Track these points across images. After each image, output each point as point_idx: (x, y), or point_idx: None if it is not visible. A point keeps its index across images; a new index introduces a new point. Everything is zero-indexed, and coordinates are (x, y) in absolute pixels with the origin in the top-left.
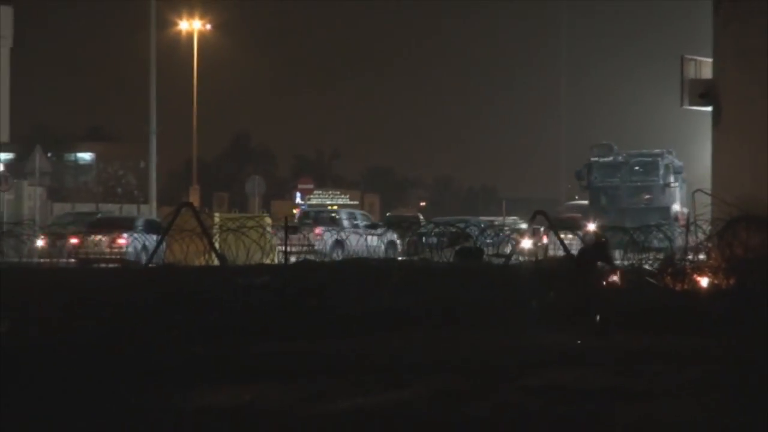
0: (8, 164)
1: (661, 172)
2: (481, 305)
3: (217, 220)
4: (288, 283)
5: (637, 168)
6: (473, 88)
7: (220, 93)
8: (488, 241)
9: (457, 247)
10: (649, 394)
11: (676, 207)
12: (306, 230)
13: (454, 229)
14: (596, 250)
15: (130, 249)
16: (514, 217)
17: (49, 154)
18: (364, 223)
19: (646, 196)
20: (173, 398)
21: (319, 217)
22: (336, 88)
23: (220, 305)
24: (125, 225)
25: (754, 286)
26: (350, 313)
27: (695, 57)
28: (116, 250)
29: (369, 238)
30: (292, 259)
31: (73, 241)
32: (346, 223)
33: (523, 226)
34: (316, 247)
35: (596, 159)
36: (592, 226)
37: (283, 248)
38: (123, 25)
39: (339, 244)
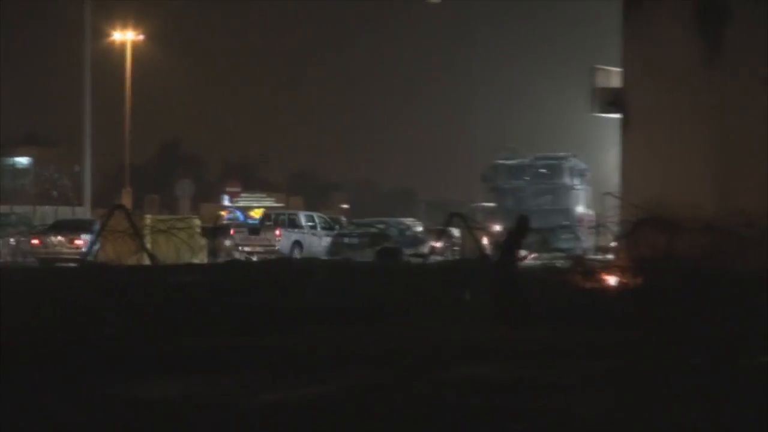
0: None
1: (565, 174)
2: (400, 302)
3: (148, 221)
4: (216, 281)
5: (541, 170)
6: (393, 91)
7: (152, 100)
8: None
9: (377, 248)
10: (557, 387)
11: (580, 209)
12: (267, 231)
13: (374, 230)
14: (518, 230)
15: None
16: (412, 219)
17: None
18: (321, 224)
19: (550, 198)
20: (105, 390)
21: (279, 219)
22: (263, 95)
23: (150, 302)
24: (83, 227)
25: (659, 284)
26: (275, 311)
27: (605, 67)
28: (74, 251)
29: (325, 238)
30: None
31: (34, 241)
32: (304, 224)
33: (419, 228)
34: (276, 248)
35: (502, 161)
36: (498, 228)
37: (209, 248)
38: (57, 34)
39: (297, 244)
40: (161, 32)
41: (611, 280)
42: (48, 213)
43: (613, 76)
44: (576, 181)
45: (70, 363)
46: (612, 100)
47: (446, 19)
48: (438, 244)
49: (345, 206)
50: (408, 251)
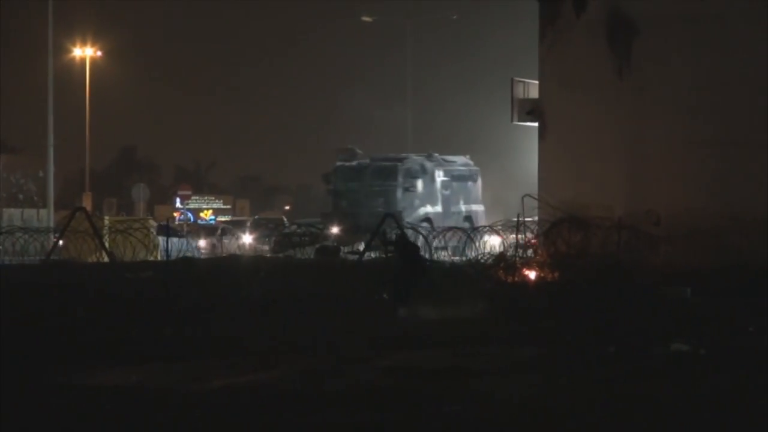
0: None
1: (400, 176)
2: (337, 295)
3: (107, 222)
4: (169, 276)
5: (376, 172)
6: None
7: (110, 110)
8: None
9: (317, 245)
10: (485, 373)
11: (429, 209)
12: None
13: (314, 230)
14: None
15: None
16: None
17: None
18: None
19: (381, 201)
20: (68, 378)
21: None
22: (213, 103)
23: (109, 296)
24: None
25: (575, 278)
26: (223, 303)
27: (523, 79)
28: None
29: None
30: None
31: None
32: None
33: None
34: None
35: (341, 163)
36: (335, 230)
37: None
38: (22, 48)
39: None
40: (119, 48)
41: (531, 275)
42: (15, 215)
43: (531, 87)
44: (413, 183)
45: (33, 353)
46: (530, 110)
47: (378, 36)
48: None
49: (287, 208)
50: (344, 249)
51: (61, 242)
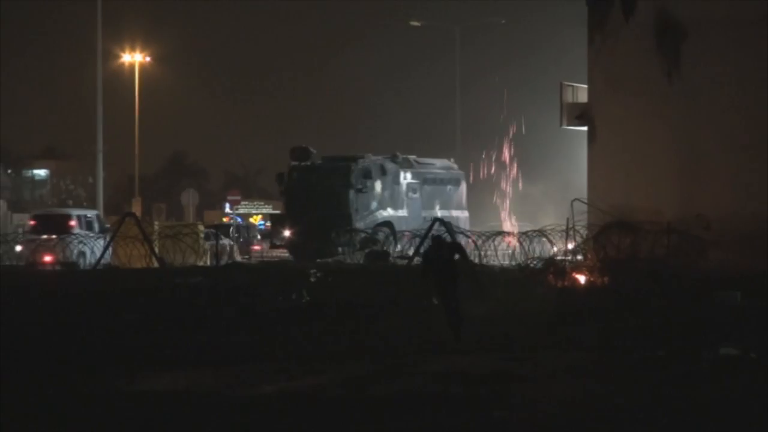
0: None
1: (353, 177)
2: (388, 300)
3: (156, 227)
4: (219, 282)
5: (329, 173)
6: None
7: (160, 116)
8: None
9: (366, 250)
10: (534, 378)
11: (388, 212)
12: None
13: (363, 235)
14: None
15: None
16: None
17: (9, 171)
18: None
19: (334, 203)
20: (119, 383)
21: None
22: (259, 108)
23: (158, 302)
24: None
25: (624, 282)
26: (273, 308)
27: (572, 83)
28: None
29: None
30: None
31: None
32: None
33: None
34: None
35: (295, 163)
36: (287, 233)
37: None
38: (72, 55)
39: None
40: (168, 53)
41: (581, 279)
42: None
43: (580, 92)
44: (371, 184)
45: (85, 358)
46: (579, 114)
47: (426, 41)
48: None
49: None
50: (394, 254)
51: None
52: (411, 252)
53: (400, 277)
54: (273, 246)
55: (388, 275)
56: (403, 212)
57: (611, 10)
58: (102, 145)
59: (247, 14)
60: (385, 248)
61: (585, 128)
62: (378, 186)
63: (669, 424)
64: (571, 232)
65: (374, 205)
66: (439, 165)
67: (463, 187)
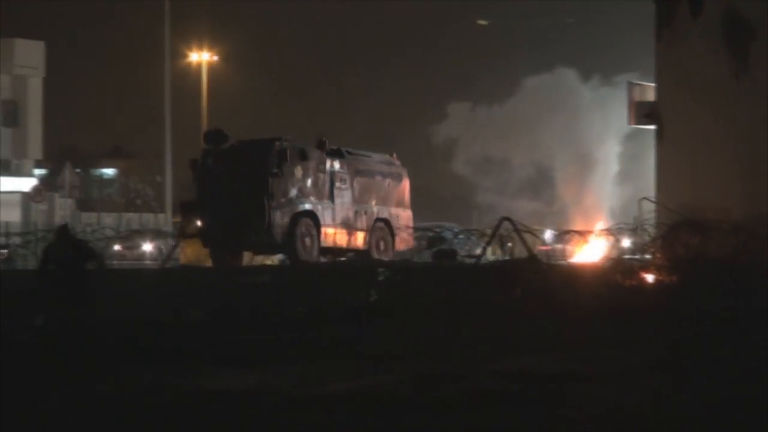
0: (42, 179)
1: (271, 159)
2: (454, 299)
3: None
4: (286, 281)
5: (243, 155)
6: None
7: (227, 114)
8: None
9: (434, 249)
10: (600, 377)
11: (310, 202)
12: None
13: (431, 233)
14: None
15: None
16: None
17: (77, 170)
18: None
19: (247, 186)
20: (185, 382)
21: None
22: (325, 107)
23: (227, 300)
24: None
25: (693, 281)
26: (341, 307)
27: (640, 82)
28: None
29: None
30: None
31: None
32: None
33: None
34: None
35: (208, 146)
36: (199, 223)
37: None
38: (140, 54)
39: None
40: (236, 52)
41: (649, 278)
42: (133, 219)
43: (647, 90)
44: (289, 169)
45: (150, 358)
46: (647, 112)
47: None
48: (490, 246)
49: None
50: (462, 252)
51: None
52: (479, 251)
53: (467, 275)
54: (183, 236)
55: (456, 274)
56: (328, 203)
57: (679, 9)
58: (170, 143)
59: (314, 11)
60: (452, 247)
61: (653, 126)
62: (298, 172)
63: (737, 424)
64: (639, 231)
65: (293, 192)
66: (377, 158)
67: (406, 183)
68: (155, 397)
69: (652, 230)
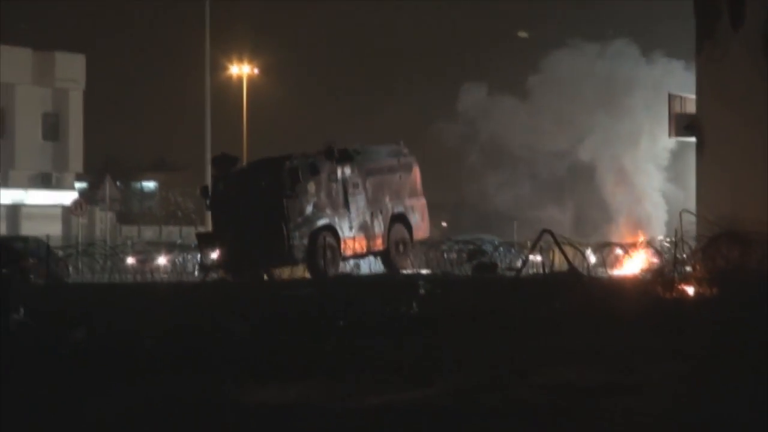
0: (82, 192)
1: (284, 178)
2: (494, 312)
3: None
4: (327, 294)
5: (254, 178)
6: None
7: (267, 128)
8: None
9: (474, 262)
10: (641, 389)
11: (328, 216)
12: None
13: (471, 246)
14: None
15: None
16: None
17: (117, 183)
18: None
19: (262, 213)
20: (227, 394)
21: None
22: (366, 121)
23: (267, 313)
24: None
25: (734, 293)
26: (381, 320)
27: (680, 93)
28: None
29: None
30: None
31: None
32: None
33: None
34: None
35: (219, 172)
36: (217, 253)
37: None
38: (181, 67)
39: None
40: (276, 65)
41: (689, 290)
42: (173, 232)
43: (687, 103)
44: (304, 187)
45: (195, 369)
46: (687, 124)
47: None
48: (532, 258)
49: (444, 224)
50: (502, 265)
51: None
52: (519, 264)
53: (507, 288)
54: (204, 269)
55: (496, 287)
56: (344, 212)
57: (719, 21)
58: (210, 156)
59: (353, 24)
60: (492, 260)
61: (693, 139)
62: (311, 188)
63: None
64: (679, 244)
65: (309, 209)
66: (385, 152)
67: (417, 172)
68: (196, 410)
69: (692, 242)
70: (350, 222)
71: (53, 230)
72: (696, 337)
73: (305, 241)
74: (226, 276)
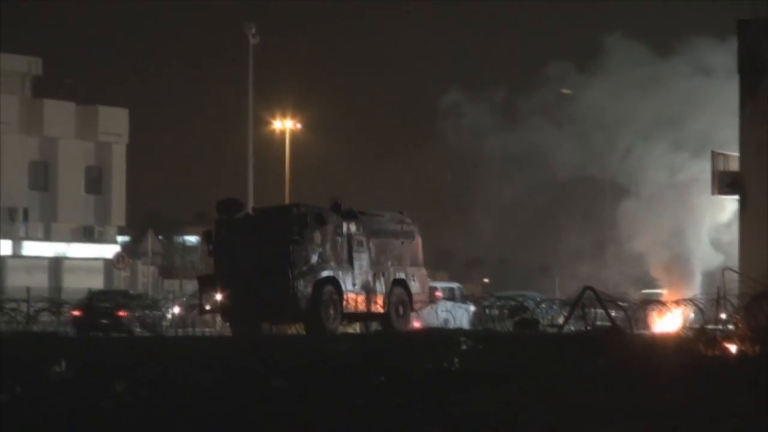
0: (124, 245)
1: (293, 225)
2: (538, 369)
3: None
4: (367, 350)
5: (261, 224)
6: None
7: (310, 181)
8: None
9: (516, 318)
10: None
11: (331, 268)
12: None
13: (513, 303)
14: None
15: None
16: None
17: (160, 237)
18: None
19: (269, 259)
20: None
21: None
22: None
23: (308, 367)
24: None
25: None
26: (423, 375)
27: (723, 151)
28: None
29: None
30: None
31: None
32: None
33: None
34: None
35: (223, 217)
36: (218, 297)
37: None
38: (224, 122)
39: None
40: (318, 120)
41: (732, 348)
42: None
43: (730, 160)
44: (310, 235)
45: (233, 424)
46: (730, 182)
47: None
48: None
49: (486, 281)
50: (544, 322)
51: None
52: (561, 320)
53: (550, 345)
54: (203, 311)
55: (539, 343)
56: (348, 268)
57: (763, 79)
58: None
59: (393, 78)
60: (534, 316)
61: (736, 197)
62: (317, 237)
63: None
64: (722, 301)
65: (314, 258)
66: (388, 217)
67: (418, 241)
68: None
69: (734, 300)
70: (353, 278)
71: (95, 283)
72: (739, 395)
73: (309, 290)
74: (224, 321)
